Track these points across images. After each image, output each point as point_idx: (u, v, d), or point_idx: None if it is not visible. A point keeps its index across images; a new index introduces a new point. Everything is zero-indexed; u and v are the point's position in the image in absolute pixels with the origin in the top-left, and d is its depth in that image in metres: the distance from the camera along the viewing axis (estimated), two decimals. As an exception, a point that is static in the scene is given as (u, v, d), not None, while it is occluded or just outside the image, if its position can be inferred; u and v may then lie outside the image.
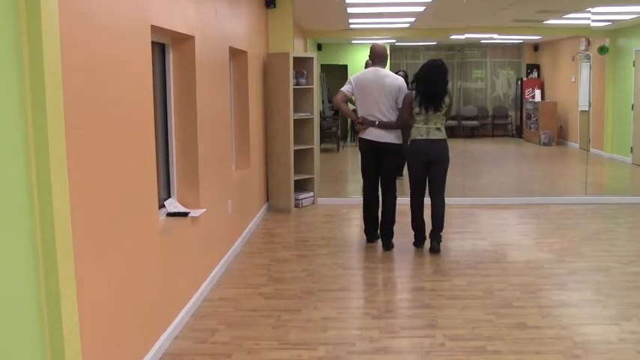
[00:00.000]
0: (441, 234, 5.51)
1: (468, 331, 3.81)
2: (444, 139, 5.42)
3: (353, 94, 5.62)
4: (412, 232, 5.72)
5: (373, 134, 5.52)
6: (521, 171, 11.22)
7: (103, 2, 2.81)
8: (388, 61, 6.06)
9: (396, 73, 5.88)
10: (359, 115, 5.60)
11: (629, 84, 10.40)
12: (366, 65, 6.66)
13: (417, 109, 5.37)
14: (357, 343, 3.66)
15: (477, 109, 13.89)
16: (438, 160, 5.41)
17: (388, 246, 5.62)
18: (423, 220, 5.63)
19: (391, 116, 5.51)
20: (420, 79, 5.40)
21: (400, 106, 5.50)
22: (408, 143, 5.49)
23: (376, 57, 5.66)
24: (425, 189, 5.54)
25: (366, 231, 5.87)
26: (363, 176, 5.79)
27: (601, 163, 10.73)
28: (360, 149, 5.71)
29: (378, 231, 5.80)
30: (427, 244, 5.63)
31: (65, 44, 2.39)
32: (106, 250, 2.85)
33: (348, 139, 13.05)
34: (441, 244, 5.49)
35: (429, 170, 5.45)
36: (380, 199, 5.77)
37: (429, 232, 5.57)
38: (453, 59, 13.66)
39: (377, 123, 5.46)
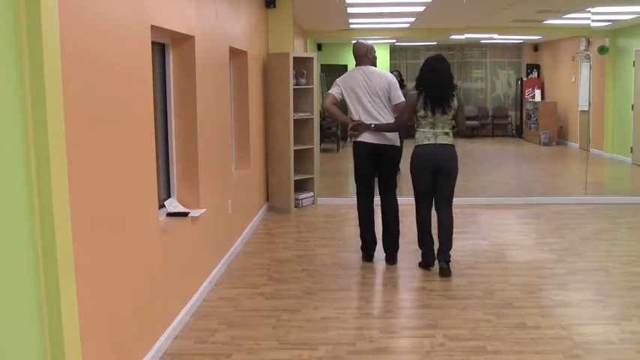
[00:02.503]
0: (450, 252, 4.97)
1: (468, 331, 3.81)
2: (453, 145, 4.96)
3: (342, 96, 5.20)
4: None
5: (370, 136, 5.10)
6: (522, 171, 11.22)
7: (103, 2, 2.81)
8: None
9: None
10: (353, 119, 5.16)
11: (629, 84, 10.39)
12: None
13: (421, 112, 4.90)
14: (357, 343, 3.66)
15: (477, 109, 13.88)
16: (446, 169, 4.94)
17: (392, 261, 5.23)
18: (432, 236, 5.10)
19: (387, 116, 5.11)
20: (422, 80, 4.99)
21: (394, 102, 5.13)
22: (414, 149, 5.02)
23: (356, 56, 5.26)
24: (432, 200, 5.05)
25: (363, 248, 5.37)
26: (359, 184, 5.31)
27: (601, 163, 10.73)
28: (354, 154, 5.24)
29: (380, 243, 5.36)
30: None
31: (65, 44, 2.39)
32: (106, 250, 2.84)
33: (348, 139, 13.03)
34: (450, 264, 4.95)
35: (436, 179, 4.98)
36: (376, 207, 5.34)
37: (436, 250, 5.03)
38: (453, 59, 13.64)
39: (373, 126, 5.05)
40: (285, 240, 6.07)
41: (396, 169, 5.42)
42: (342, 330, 3.86)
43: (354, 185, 5.38)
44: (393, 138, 5.22)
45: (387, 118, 5.13)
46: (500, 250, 5.60)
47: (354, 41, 5.38)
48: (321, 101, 5.39)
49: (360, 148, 5.20)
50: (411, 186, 5.16)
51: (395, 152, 5.27)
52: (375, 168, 5.25)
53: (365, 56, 5.23)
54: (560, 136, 12.99)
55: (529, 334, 3.74)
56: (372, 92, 5.12)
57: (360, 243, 5.43)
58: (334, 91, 5.23)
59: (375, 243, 5.37)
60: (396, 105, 5.17)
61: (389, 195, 5.30)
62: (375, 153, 5.16)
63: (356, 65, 5.29)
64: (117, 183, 2.97)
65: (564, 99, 12.80)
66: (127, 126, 3.10)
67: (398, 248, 5.30)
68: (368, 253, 5.34)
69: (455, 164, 4.99)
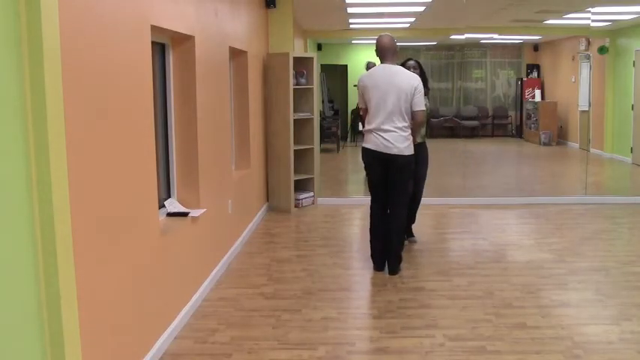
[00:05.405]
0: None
1: (468, 331, 3.81)
2: None
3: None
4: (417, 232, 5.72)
5: (376, 144, 4.75)
6: (522, 171, 11.22)
7: (103, 2, 2.81)
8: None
9: (406, 62, 5.46)
10: (365, 121, 4.83)
11: (629, 84, 10.40)
12: (367, 68, 6.35)
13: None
14: (357, 343, 3.66)
15: (477, 109, 13.90)
16: None
17: (395, 271, 4.93)
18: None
19: (402, 124, 4.71)
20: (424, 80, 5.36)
21: (414, 109, 4.72)
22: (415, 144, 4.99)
23: (386, 51, 4.87)
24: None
25: (372, 256, 5.07)
26: (370, 190, 5.06)
27: (601, 163, 10.73)
28: (363, 160, 4.95)
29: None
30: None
31: (65, 44, 2.39)
32: (106, 250, 2.84)
33: (348, 139, 13.05)
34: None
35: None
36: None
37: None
38: (453, 59, 13.67)
39: None
40: (285, 240, 6.07)
41: (409, 180, 4.99)
42: (342, 330, 3.86)
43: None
44: (403, 147, 4.73)
45: (399, 124, 4.71)
46: (500, 250, 5.60)
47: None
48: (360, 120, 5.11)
49: (365, 155, 4.89)
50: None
51: (406, 163, 4.78)
52: (385, 176, 4.86)
53: (396, 53, 4.90)
54: (560, 136, 12.99)
55: (529, 334, 3.74)
56: (396, 95, 4.69)
57: (369, 251, 5.14)
58: (362, 102, 4.95)
59: (383, 250, 5.03)
60: (414, 111, 4.75)
61: (396, 207, 4.93)
62: (381, 161, 4.79)
63: (381, 62, 4.91)
64: (117, 183, 2.97)
65: (564, 99, 12.81)
66: (127, 126, 3.10)
67: (400, 261, 4.99)
68: (378, 264, 5.01)
69: None
